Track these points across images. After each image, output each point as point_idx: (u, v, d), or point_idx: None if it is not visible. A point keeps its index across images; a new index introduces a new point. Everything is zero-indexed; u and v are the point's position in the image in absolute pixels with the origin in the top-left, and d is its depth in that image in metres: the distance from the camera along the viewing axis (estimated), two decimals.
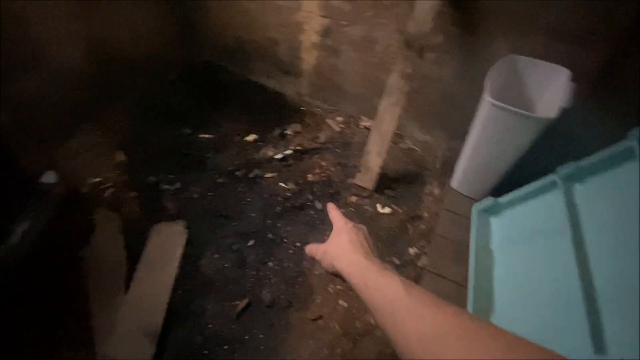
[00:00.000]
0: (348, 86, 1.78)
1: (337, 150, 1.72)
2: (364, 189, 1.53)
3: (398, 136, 1.76)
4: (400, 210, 1.50)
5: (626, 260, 0.81)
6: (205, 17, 1.92)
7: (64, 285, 1.16)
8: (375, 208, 1.49)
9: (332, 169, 1.64)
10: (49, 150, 1.44)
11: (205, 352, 1.12)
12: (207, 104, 1.90)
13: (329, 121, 1.85)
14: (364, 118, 1.84)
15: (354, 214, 1.48)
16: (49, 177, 1.30)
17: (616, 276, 0.82)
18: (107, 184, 1.46)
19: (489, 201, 1.32)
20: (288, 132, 1.80)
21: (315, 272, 1.32)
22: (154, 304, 1.15)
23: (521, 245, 1.14)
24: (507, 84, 1.28)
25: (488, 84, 1.17)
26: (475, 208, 1.38)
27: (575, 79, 1.17)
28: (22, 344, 1.04)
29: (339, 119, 1.86)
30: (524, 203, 1.21)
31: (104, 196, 1.43)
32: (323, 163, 1.66)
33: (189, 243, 1.35)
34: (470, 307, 1.11)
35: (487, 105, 1.14)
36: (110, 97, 1.71)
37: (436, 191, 1.56)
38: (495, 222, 1.32)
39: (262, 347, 1.14)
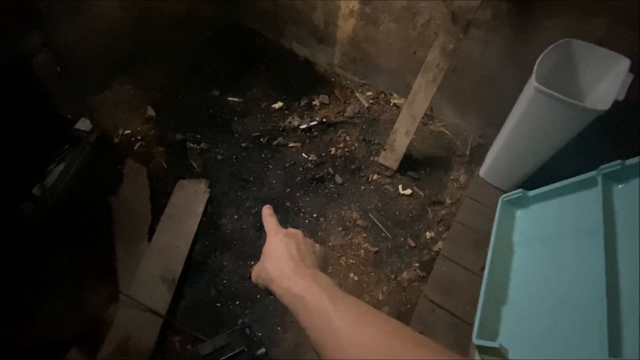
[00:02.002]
0: (383, 60, 1.71)
1: (363, 126, 1.68)
2: (387, 168, 1.50)
3: (429, 117, 1.69)
4: (421, 193, 1.47)
5: None
6: None
7: (93, 226, 1.24)
8: (397, 188, 1.47)
9: (356, 144, 1.61)
10: (86, 99, 1.49)
11: (218, 304, 1.18)
12: (237, 67, 1.88)
13: (358, 95, 1.79)
14: (395, 95, 1.78)
15: (374, 192, 1.47)
16: (84, 124, 1.35)
17: None
18: (137, 137, 1.51)
19: (517, 193, 1.26)
20: (315, 102, 1.76)
21: (329, 244, 1.33)
22: (174, 255, 1.21)
23: (546, 242, 1.10)
24: (558, 70, 1.18)
25: (537, 68, 1.08)
26: (502, 199, 1.33)
27: (635, 70, 1.07)
28: (54, 274, 1.14)
29: (369, 93, 1.80)
30: (556, 199, 1.15)
31: (134, 148, 1.47)
32: (348, 138, 1.64)
33: (210, 201, 1.39)
34: (482, 295, 1.09)
35: (531, 91, 1.06)
36: (145, 52, 1.72)
37: (462, 178, 1.51)
38: (521, 215, 1.27)
39: (271, 307, 1.19)
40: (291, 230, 0.46)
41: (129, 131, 1.52)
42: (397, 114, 1.46)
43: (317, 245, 0.47)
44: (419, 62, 1.32)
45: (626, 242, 0.86)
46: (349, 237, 1.35)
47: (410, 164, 1.52)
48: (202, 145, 1.55)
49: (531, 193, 1.22)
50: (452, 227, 1.34)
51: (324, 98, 1.77)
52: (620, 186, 0.96)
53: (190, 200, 1.37)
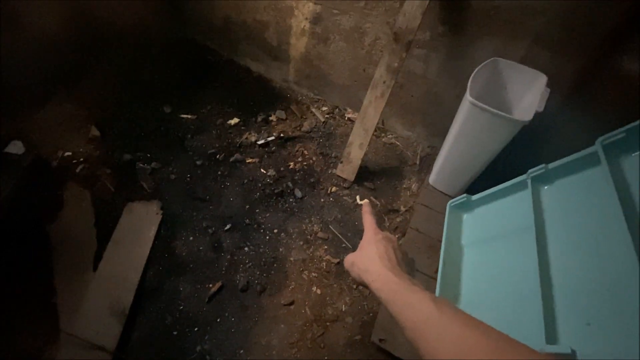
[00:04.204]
0: (335, 76, 1.78)
1: (320, 140, 1.72)
2: (344, 180, 1.54)
3: (380, 130, 1.78)
4: (378, 203, 1.53)
5: (582, 260, 0.86)
6: None
7: (28, 258, 1.12)
8: (355, 199, 1.51)
9: (314, 158, 1.64)
10: (18, 119, 1.37)
11: (175, 332, 1.12)
12: (190, 84, 1.84)
13: (314, 110, 1.84)
14: (349, 110, 1.85)
15: (333, 204, 1.49)
16: (16, 148, 1.24)
17: (572, 274, 0.87)
18: (79, 159, 1.41)
19: (462, 198, 1.36)
20: (272, 118, 1.78)
21: (291, 259, 1.33)
22: (124, 283, 1.13)
23: (489, 242, 1.19)
24: (489, 86, 1.31)
25: (471, 84, 1.19)
26: (450, 204, 1.43)
27: (551, 84, 1.22)
28: None
29: (324, 108, 1.86)
30: (495, 201, 1.26)
31: (76, 171, 1.37)
32: (305, 152, 1.66)
33: (163, 224, 1.33)
34: None
35: (467, 105, 1.17)
36: (88, 68, 1.63)
37: (414, 186, 1.60)
38: (467, 218, 1.37)
39: (232, 330, 1.15)
40: (389, 234, 0.52)
41: (70, 153, 1.41)
42: (351, 128, 1.51)
43: (408, 255, 0.54)
44: (368, 78, 1.40)
45: (554, 237, 0.97)
46: (311, 250, 1.36)
47: (366, 175, 1.57)
48: (153, 164, 1.49)
49: (474, 197, 1.33)
50: (407, 234, 1.40)
51: (281, 113, 1.79)
52: (546, 187, 1.07)
53: (141, 223, 1.29)
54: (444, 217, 1.43)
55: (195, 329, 1.13)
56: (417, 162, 1.68)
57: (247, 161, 1.59)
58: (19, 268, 1.11)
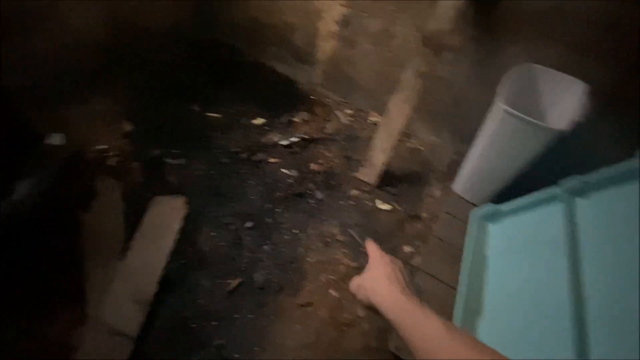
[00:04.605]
0: (361, 79, 1.77)
1: (343, 142, 1.72)
2: (366, 183, 1.53)
3: (405, 134, 1.75)
4: (399, 208, 1.50)
5: (618, 277, 0.81)
6: None
7: (62, 244, 1.18)
8: (375, 203, 1.49)
9: (336, 160, 1.64)
10: (59, 113, 1.45)
11: (194, 325, 1.14)
12: (218, 83, 1.89)
13: (338, 113, 1.84)
14: (373, 113, 1.84)
15: (354, 208, 1.49)
16: (55, 139, 1.31)
17: (607, 291, 0.82)
18: (112, 153, 1.47)
19: (489, 207, 1.32)
20: (296, 119, 1.79)
21: (309, 260, 1.33)
22: (148, 274, 1.17)
23: (517, 254, 1.14)
24: (520, 92, 1.27)
25: (501, 90, 1.16)
26: (475, 213, 1.38)
27: (590, 93, 1.16)
28: (16, 294, 1.06)
29: (348, 111, 1.85)
30: (524, 213, 1.21)
31: (108, 164, 1.43)
32: (327, 154, 1.66)
33: (187, 218, 1.36)
34: (459, 309, 1.12)
35: (498, 111, 1.13)
36: (123, 67, 1.71)
37: (437, 193, 1.56)
38: (493, 228, 1.32)
39: (249, 327, 1.16)
40: (394, 258, 0.53)
41: (105, 146, 1.48)
42: (375, 132, 1.50)
43: (410, 278, 0.53)
44: (394, 82, 1.38)
45: (588, 252, 0.92)
46: (329, 252, 1.35)
47: (388, 179, 1.56)
48: (180, 160, 1.53)
49: (501, 207, 1.28)
50: (429, 242, 1.37)
51: (305, 115, 1.80)
52: (580, 200, 1.02)
53: (166, 217, 1.33)
54: (467, 226, 1.39)
55: (213, 323, 1.15)
56: (442, 169, 1.64)
57: (270, 161, 1.61)
58: (53, 253, 1.17)
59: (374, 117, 1.82)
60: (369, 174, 1.52)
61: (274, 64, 2.01)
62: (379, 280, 0.47)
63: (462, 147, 1.65)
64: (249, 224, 1.39)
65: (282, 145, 1.66)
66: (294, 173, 1.57)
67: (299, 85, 1.96)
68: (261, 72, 2.00)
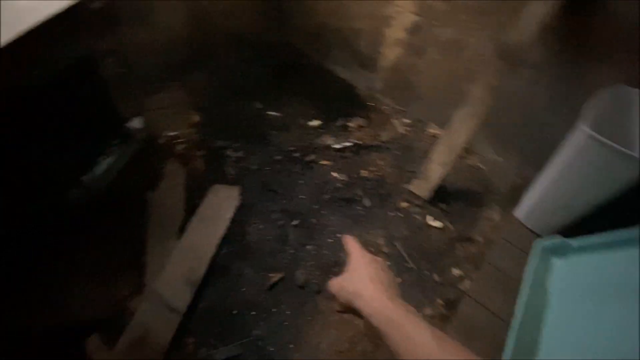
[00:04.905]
0: (424, 89, 1.72)
1: (397, 152, 1.68)
2: (418, 197, 1.48)
3: (466, 150, 1.66)
4: (452, 227, 1.43)
5: None
6: (295, 0, 1.96)
7: (130, 218, 1.31)
8: (426, 219, 1.43)
9: (388, 169, 1.61)
10: (141, 100, 1.61)
11: (234, 312, 1.19)
12: (280, 84, 1.96)
13: (395, 121, 1.80)
14: (432, 125, 1.77)
15: (402, 220, 1.44)
16: (136, 123, 1.46)
17: None
18: (181, 140, 1.60)
19: (556, 240, 1.19)
20: (351, 124, 1.79)
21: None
22: (200, 256, 1.24)
23: (585, 297, 1.02)
24: (608, 117, 1.13)
25: (586, 112, 1.04)
26: (538, 244, 1.26)
27: None
28: (87, 259, 1.20)
29: (406, 121, 1.81)
30: (599, 252, 1.07)
31: (176, 150, 1.56)
32: (380, 162, 1.64)
33: (239, 209, 1.43)
34: (510, 344, 1.02)
35: (580, 136, 1.02)
36: (198, 62, 1.85)
37: (496, 217, 1.45)
38: (559, 264, 1.19)
39: (286, 323, 1.18)
40: (376, 257, 0.49)
41: (174, 133, 1.61)
42: (433, 144, 1.44)
43: (394, 277, 0.49)
44: (461, 95, 1.32)
45: None
46: None
47: (442, 196, 1.48)
48: (239, 153, 1.62)
49: (571, 242, 1.15)
50: (482, 268, 1.28)
51: (360, 121, 1.79)
52: None
53: (221, 205, 1.41)
54: (528, 256, 1.28)
55: (253, 313, 1.18)
56: (503, 191, 1.53)
57: (321, 163, 1.62)
58: (123, 225, 1.30)
59: (433, 129, 1.76)
60: (423, 187, 1.46)
61: (335, 68, 2.03)
62: (362, 283, 0.44)
63: (530, 171, 1.51)
64: (295, 222, 1.42)
65: (334, 148, 1.67)
66: (343, 177, 1.57)
67: (358, 91, 1.96)
68: (322, 75, 2.03)
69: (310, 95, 1.92)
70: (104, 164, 1.32)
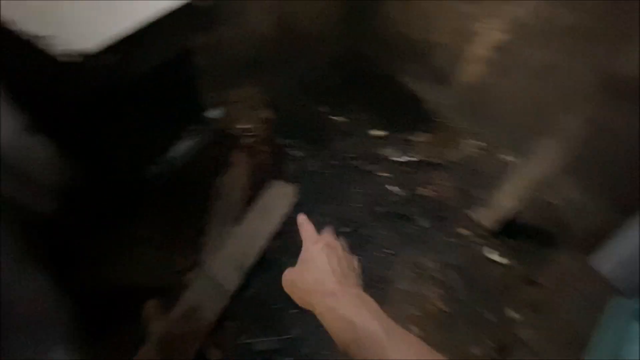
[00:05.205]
0: (502, 112, 1.60)
1: (462, 174, 1.59)
2: (480, 225, 1.38)
3: (544, 184, 1.51)
4: (515, 266, 1.31)
5: None
6: (376, 9, 1.96)
7: (197, 199, 1.41)
8: (486, 252, 1.33)
9: (451, 191, 1.53)
10: (221, 92, 1.73)
11: (276, 306, 1.22)
12: (348, 90, 1.97)
13: (464, 142, 1.71)
14: (507, 151, 1.64)
15: (460, 248, 1.36)
16: (214, 113, 1.57)
17: None
18: (250, 133, 1.68)
19: None
20: (415, 138, 1.74)
21: (396, 286, 1.27)
22: (253, 245, 1.30)
23: None
24: None
25: None
26: (619, 303, 1.10)
27: None
28: (154, 230, 1.32)
29: (477, 143, 1.70)
30: None
31: (245, 142, 1.65)
32: (442, 182, 1.56)
33: (294, 206, 1.46)
34: None
35: None
36: (276, 62, 1.94)
37: (568, 262, 1.30)
38: None
39: (323, 329, 1.18)
40: (330, 240, 0.42)
41: (245, 126, 1.71)
42: (505, 171, 1.34)
43: (356, 260, 0.44)
44: (548, 123, 1.20)
45: None
46: (420, 286, 1.27)
47: (509, 230, 1.37)
48: (300, 153, 1.66)
49: None
50: (545, 316, 1.15)
51: (427, 136, 1.73)
52: None
53: (278, 200, 1.46)
54: (601, 312, 1.12)
55: (294, 311, 1.20)
56: (581, 235, 1.36)
57: (380, 174, 1.60)
58: (189, 204, 1.41)
59: (507, 156, 1.63)
60: (487, 216, 1.36)
61: (407, 80, 1.98)
62: (312, 276, 0.37)
63: (617, 218, 1.32)
64: (345, 229, 1.41)
65: (395, 161, 1.64)
66: (401, 192, 1.53)
67: (427, 105, 1.89)
68: (392, 86, 2.00)
69: (377, 105, 1.90)
70: (182, 147, 1.44)
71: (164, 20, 0.92)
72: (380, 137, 1.74)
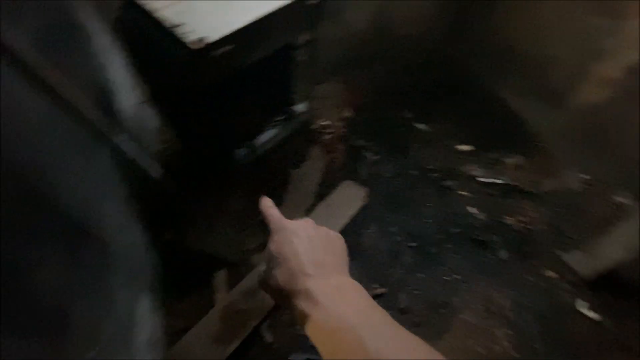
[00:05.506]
0: (622, 145, 1.36)
1: (559, 209, 1.39)
2: (574, 272, 1.20)
3: None
4: (607, 325, 1.11)
5: None
6: (486, 14, 1.81)
7: (274, 186, 1.48)
8: (576, 303, 1.16)
9: (542, 226, 1.35)
10: (309, 87, 1.78)
11: None
12: (437, 98, 1.87)
13: (568, 173, 1.49)
14: (624, 192, 1.39)
15: (543, 292, 1.20)
16: (299, 107, 1.62)
17: None
18: (329, 130, 1.71)
19: None
20: (508, 160, 1.57)
21: (461, 316, 1.18)
22: None
23: None
24: None
25: None
26: None
27: None
28: (235, 209, 1.42)
29: (584, 176, 1.47)
30: None
31: (323, 138, 1.68)
32: (532, 214, 1.39)
33: (362, 209, 1.45)
34: None
35: None
36: (363, 61, 1.92)
37: None
38: None
39: None
40: (298, 222, 0.34)
41: (326, 123, 1.73)
42: (615, 214, 1.14)
43: (333, 235, 0.35)
44: None
45: None
46: (488, 322, 1.16)
47: (610, 283, 1.16)
48: (376, 157, 1.63)
49: None
50: None
51: (521, 160, 1.56)
52: None
53: (348, 200, 1.46)
54: None
55: None
56: None
57: (460, 192, 1.49)
58: (266, 190, 1.48)
59: (619, 196, 1.38)
60: (584, 263, 1.18)
61: (508, 95, 1.80)
62: (280, 271, 0.31)
63: None
64: (413, 244, 1.35)
65: (480, 181, 1.50)
66: (481, 216, 1.40)
67: (528, 126, 1.69)
68: (488, 99, 1.83)
69: (468, 118, 1.77)
70: (267, 135, 1.53)
71: (274, 16, 0.97)
72: (466, 153, 1.62)
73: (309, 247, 0.33)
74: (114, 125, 0.89)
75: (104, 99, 0.99)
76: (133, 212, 1.08)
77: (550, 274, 1.22)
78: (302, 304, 0.29)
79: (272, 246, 0.35)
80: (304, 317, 0.29)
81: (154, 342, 1.01)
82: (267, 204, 0.39)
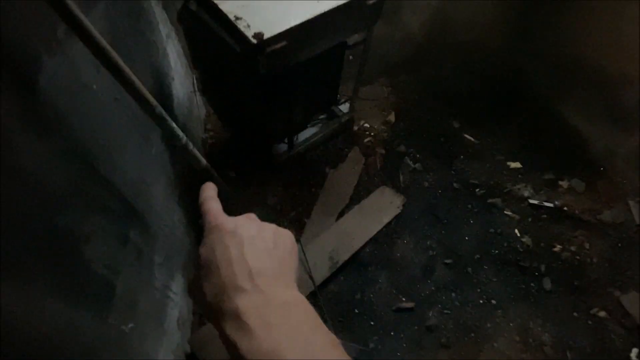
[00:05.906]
0: None
1: (617, 243, 1.26)
2: (629, 315, 1.08)
3: None
4: None
5: None
6: (554, 23, 1.67)
7: (310, 183, 1.48)
8: (630, 349, 1.04)
9: (595, 260, 1.23)
10: (353, 87, 1.76)
11: (357, 311, 1.20)
12: (489, 109, 1.76)
13: (632, 203, 1.35)
14: None
15: (590, 331, 1.09)
16: (343, 107, 1.61)
17: None
18: (371, 133, 1.67)
19: None
20: (562, 183, 1.45)
21: (494, 343, 1.11)
22: (348, 243, 1.30)
23: None
24: None
25: None
26: None
27: None
28: (288, 197, 1.42)
29: None
30: None
31: (364, 140, 1.65)
32: (586, 245, 1.27)
33: (397, 218, 1.40)
34: None
35: None
36: (412, 65, 1.86)
37: None
38: None
39: (398, 353, 1.12)
40: (238, 218, 0.29)
41: (368, 125, 1.70)
42: None
43: (282, 234, 0.29)
44: None
45: None
46: (524, 355, 1.08)
47: None
48: (416, 165, 1.57)
49: None
50: None
51: (578, 185, 1.43)
52: None
53: (383, 207, 1.42)
54: None
55: (371, 323, 1.17)
56: None
57: (506, 212, 1.39)
58: (303, 185, 1.48)
59: None
60: None
61: (569, 113, 1.66)
62: (208, 282, 0.24)
63: None
64: (447, 260, 1.29)
65: (529, 203, 1.40)
66: (527, 240, 1.30)
67: (591, 148, 1.55)
68: (546, 115, 1.70)
69: (521, 133, 1.65)
70: (308, 132, 1.53)
71: (331, 14, 0.96)
72: (516, 170, 1.51)
73: (248, 251, 0.26)
74: (168, 110, 0.93)
75: (162, 84, 1.04)
76: (176, 196, 1.12)
77: (602, 313, 1.11)
78: (229, 329, 0.23)
79: (202, 250, 0.28)
80: (230, 347, 0.23)
81: (182, 322, 1.05)
82: (209, 194, 0.32)
